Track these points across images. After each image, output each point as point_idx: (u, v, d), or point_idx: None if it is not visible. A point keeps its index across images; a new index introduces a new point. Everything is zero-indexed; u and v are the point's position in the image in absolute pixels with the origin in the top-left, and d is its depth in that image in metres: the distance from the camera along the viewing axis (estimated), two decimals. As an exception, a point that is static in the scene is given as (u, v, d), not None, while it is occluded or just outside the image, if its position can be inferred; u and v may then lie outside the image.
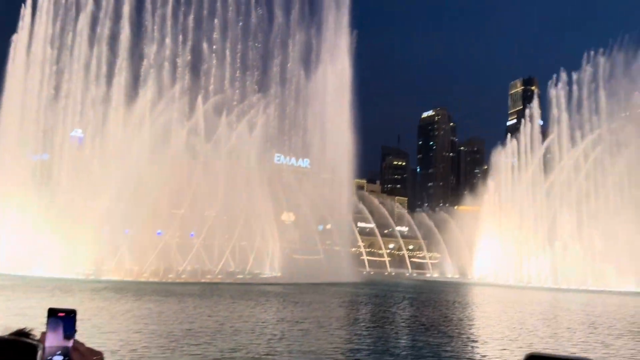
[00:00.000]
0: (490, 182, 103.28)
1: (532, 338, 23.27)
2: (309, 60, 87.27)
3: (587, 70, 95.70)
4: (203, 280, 55.44)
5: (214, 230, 69.25)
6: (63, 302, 27.62)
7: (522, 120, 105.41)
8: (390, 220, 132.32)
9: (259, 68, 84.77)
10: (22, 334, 1.88)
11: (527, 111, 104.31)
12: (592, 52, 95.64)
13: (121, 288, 40.19)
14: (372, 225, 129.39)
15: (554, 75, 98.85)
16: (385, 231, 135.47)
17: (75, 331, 1.75)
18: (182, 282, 52.32)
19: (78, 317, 1.68)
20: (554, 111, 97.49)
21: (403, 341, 21.16)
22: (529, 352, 0.91)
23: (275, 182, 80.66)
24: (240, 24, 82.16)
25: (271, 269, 71.39)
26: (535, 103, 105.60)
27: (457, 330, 25.37)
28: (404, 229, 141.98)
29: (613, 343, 22.44)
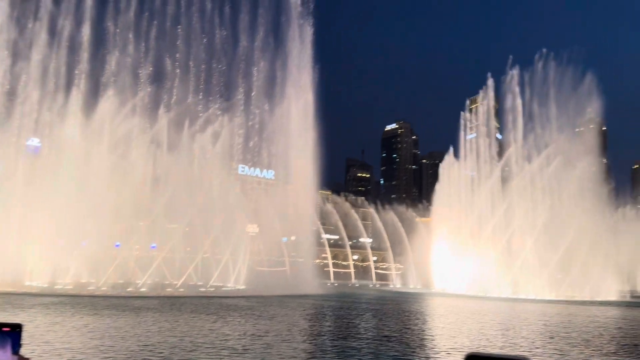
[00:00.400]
0: (439, 193, 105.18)
1: (492, 348, 23.51)
2: (274, 73, 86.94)
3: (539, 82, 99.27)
4: (163, 294, 54.02)
5: (177, 242, 67.99)
6: (14, 317, 26.38)
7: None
8: (361, 228, 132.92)
9: (224, 79, 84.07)
10: None
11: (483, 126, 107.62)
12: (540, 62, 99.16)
13: (77, 302, 38.80)
14: (336, 236, 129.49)
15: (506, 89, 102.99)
16: (350, 242, 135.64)
17: (20, 346, 1.58)
18: (141, 296, 50.83)
19: (30, 332, 1.62)
20: (509, 125, 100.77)
21: (366, 354, 21.01)
22: (469, 352, 0.94)
23: (239, 193, 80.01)
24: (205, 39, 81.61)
25: (236, 281, 70.34)
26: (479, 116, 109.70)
27: (419, 342, 25.46)
28: (368, 240, 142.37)
29: (569, 351, 22.92)
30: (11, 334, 1.60)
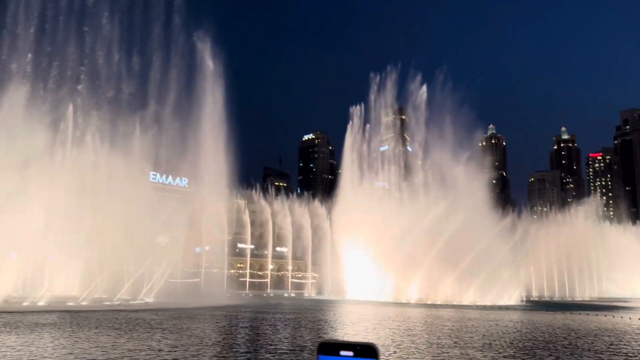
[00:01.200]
0: (340, 200, 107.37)
1: (400, 352, 23.87)
2: (188, 80, 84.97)
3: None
4: (63, 309, 50.35)
5: (84, 254, 64.13)
6: None
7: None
8: (282, 237, 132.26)
9: (135, 84, 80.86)
10: None
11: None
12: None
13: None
14: (251, 246, 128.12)
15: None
16: (266, 252, 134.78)
17: None
18: (38, 311, 47.07)
19: None
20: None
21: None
22: (321, 340, 1.10)
23: (150, 201, 76.92)
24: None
25: (147, 294, 67.24)
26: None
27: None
28: (284, 249, 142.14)
29: (474, 355, 23.84)
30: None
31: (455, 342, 29.42)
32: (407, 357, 22.96)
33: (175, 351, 23.69)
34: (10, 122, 60.00)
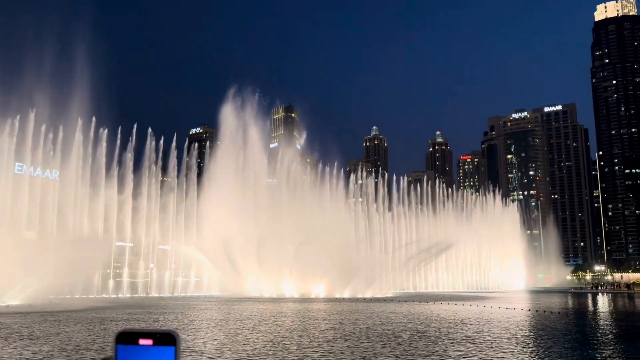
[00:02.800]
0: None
1: (290, 350, 23.18)
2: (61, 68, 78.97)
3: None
4: None
5: None
6: None
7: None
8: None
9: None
10: None
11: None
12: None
13: None
14: (130, 244, 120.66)
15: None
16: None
17: None
18: None
19: None
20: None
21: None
22: (120, 330, 1.12)
23: (14, 193, 69.80)
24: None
25: (12, 296, 60.20)
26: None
27: (215, 351, 24.02)
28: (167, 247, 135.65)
29: (334, 346, 23.76)
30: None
31: (343, 335, 29.30)
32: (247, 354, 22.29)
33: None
34: None
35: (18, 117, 74.08)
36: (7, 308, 54.15)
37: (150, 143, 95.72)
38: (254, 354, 22.34)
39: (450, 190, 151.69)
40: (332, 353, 22.28)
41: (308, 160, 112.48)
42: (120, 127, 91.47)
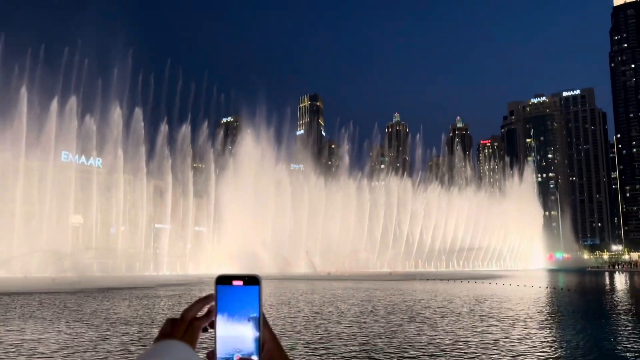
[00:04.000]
0: None
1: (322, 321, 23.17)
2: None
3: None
4: None
5: None
6: None
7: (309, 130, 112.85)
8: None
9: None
10: None
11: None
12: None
13: None
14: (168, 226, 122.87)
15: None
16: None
17: None
18: None
19: None
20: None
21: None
22: (219, 274, 1.36)
23: (62, 181, 71.60)
24: None
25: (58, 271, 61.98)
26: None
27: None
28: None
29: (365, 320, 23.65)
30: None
31: (369, 310, 29.20)
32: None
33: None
34: None
35: (56, 103, 75.35)
36: (53, 282, 55.42)
37: (185, 131, 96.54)
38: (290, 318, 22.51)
39: (472, 173, 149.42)
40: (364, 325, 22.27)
41: (332, 146, 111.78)
42: (162, 119, 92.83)
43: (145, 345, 17.47)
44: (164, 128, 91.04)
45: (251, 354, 1.27)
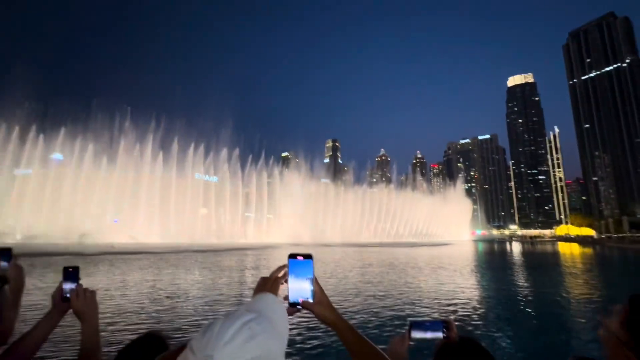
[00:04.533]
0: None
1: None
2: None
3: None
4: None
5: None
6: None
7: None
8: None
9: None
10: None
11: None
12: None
13: None
14: (251, 214, 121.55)
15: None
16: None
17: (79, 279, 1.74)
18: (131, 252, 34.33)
19: None
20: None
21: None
22: (290, 253, 1.35)
23: (194, 191, 72.26)
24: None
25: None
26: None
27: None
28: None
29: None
30: (74, 271, 1.83)
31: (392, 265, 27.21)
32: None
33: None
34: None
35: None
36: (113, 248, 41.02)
37: (262, 161, 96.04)
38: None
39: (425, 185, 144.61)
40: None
41: (345, 168, 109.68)
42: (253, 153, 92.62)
43: (242, 282, 15.44)
44: (250, 157, 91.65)
45: (308, 298, 1.30)
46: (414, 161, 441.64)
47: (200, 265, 25.67)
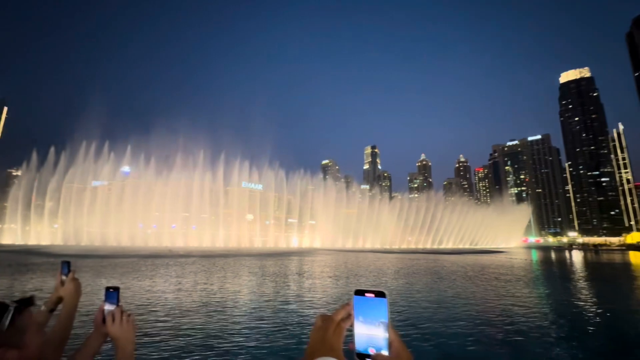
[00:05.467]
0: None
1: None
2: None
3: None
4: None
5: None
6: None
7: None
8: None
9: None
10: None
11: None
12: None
13: None
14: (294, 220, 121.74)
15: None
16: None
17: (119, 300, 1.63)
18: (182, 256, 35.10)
19: None
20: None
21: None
22: (356, 288, 1.09)
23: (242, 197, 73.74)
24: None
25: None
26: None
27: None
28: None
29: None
30: (115, 292, 1.62)
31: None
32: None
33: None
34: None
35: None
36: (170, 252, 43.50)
37: (303, 170, 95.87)
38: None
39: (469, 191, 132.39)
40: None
41: (385, 174, 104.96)
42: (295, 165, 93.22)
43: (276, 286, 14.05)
44: (291, 166, 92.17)
45: (381, 349, 0.99)
46: (457, 165, 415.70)
47: (247, 270, 24.87)
